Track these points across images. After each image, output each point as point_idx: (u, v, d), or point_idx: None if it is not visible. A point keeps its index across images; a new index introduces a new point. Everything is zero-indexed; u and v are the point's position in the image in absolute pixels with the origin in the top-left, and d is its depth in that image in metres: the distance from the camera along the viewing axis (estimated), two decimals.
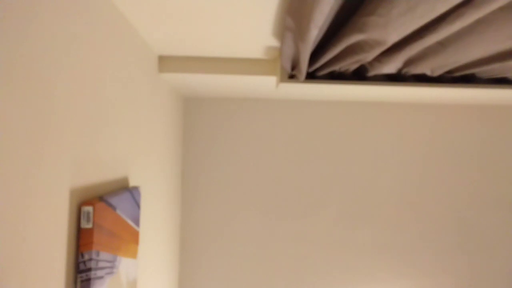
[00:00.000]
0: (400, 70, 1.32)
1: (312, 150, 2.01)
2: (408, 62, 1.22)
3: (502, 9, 0.83)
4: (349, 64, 1.23)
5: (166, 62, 1.40)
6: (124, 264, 0.94)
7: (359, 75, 1.38)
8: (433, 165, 2.03)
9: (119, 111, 0.98)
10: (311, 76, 1.37)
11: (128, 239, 0.97)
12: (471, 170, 2.04)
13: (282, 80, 1.38)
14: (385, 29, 0.88)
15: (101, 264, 0.77)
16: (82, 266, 0.72)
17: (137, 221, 1.05)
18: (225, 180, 1.98)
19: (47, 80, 0.62)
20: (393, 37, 0.93)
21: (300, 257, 1.98)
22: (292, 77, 1.37)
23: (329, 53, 1.09)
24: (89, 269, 0.72)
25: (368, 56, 1.09)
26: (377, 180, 2.01)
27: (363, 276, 1.99)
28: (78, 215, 0.74)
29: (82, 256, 0.72)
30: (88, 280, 0.72)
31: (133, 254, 1.03)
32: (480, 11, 0.79)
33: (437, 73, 1.32)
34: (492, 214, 2.03)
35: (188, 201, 1.97)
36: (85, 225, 0.73)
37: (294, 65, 1.27)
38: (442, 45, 1.04)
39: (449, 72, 1.33)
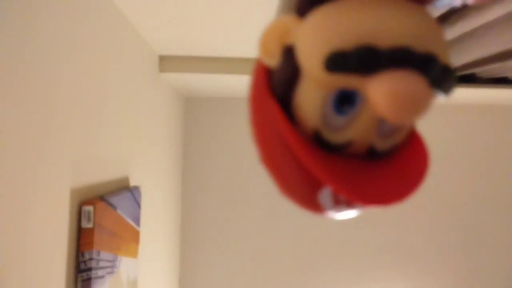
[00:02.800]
0: None
1: None
2: None
3: (504, 14, 0.83)
4: None
5: (166, 62, 1.40)
6: (125, 264, 0.95)
7: None
8: (433, 164, 2.03)
9: (120, 111, 0.98)
10: None
11: (128, 238, 0.98)
12: (471, 170, 2.04)
13: None
14: None
15: (101, 264, 0.77)
16: (82, 266, 0.72)
17: (137, 221, 1.06)
18: (226, 179, 1.99)
19: (48, 81, 0.62)
20: None
21: (301, 256, 1.98)
22: None
23: None
24: (90, 269, 0.73)
25: None
26: None
27: (363, 276, 1.99)
28: (78, 215, 0.74)
29: (83, 255, 0.72)
30: (89, 279, 0.72)
31: (134, 254, 1.03)
32: (483, 14, 0.79)
33: None
34: (493, 214, 2.03)
35: (188, 200, 1.97)
36: (85, 224, 0.73)
37: None
38: None
39: None
